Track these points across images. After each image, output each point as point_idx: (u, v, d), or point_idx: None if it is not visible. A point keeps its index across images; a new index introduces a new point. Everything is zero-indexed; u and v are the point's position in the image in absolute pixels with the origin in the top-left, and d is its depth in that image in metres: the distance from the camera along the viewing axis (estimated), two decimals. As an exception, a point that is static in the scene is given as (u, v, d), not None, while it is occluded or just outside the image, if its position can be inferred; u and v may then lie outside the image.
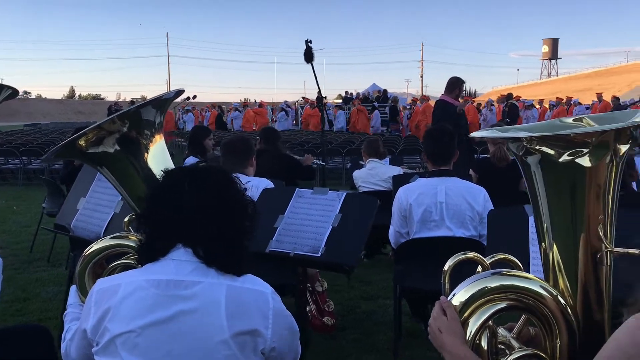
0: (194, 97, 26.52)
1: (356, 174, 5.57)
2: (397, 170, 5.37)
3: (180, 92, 2.16)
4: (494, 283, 1.62)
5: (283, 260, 2.93)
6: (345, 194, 2.83)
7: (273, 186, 3.72)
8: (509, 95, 19.02)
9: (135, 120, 2.01)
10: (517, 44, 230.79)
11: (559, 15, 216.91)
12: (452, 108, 7.46)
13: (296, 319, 1.90)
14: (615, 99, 19.80)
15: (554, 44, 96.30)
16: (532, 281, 1.63)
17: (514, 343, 1.72)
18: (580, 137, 1.51)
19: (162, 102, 2.07)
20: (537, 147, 1.56)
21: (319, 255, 2.63)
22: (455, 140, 3.66)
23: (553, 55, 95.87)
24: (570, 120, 1.75)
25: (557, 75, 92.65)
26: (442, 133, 3.65)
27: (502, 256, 1.87)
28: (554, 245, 1.65)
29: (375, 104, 24.41)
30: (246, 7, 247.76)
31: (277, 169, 5.17)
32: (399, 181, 4.29)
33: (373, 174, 5.39)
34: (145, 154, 2.02)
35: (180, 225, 1.70)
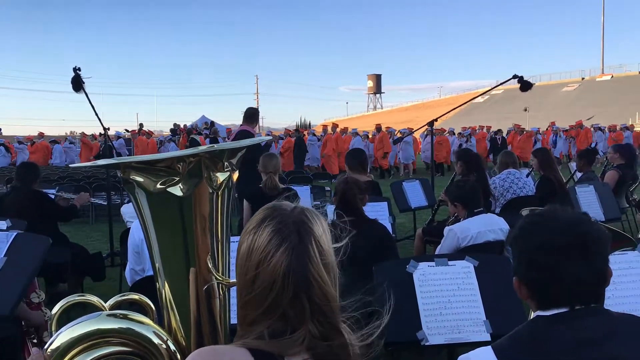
0: (-2, 129, 24.10)
1: (124, 209, 5.27)
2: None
3: None
4: (94, 327, 1.48)
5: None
6: (15, 234, 2.56)
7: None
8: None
9: None
10: (347, 79, 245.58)
11: (381, 53, 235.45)
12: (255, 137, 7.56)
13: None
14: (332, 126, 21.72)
15: (377, 79, 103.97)
16: (144, 325, 1.51)
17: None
18: (162, 163, 1.44)
19: None
20: (131, 177, 1.47)
21: (-31, 306, 2.33)
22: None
23: (377, 89, 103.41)
24: (204, 147, 1.70)
25: (382, 108, 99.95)
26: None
27: (136, 297, 1.76)
28: (166, 284, 1.55)
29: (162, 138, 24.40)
30: (66, 38, 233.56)
31: (27, 208, 4.69)
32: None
33: (141, 208, 5.11)
34: None
35: None
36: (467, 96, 79.60)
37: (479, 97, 73.75)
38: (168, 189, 1.44)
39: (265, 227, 1.29)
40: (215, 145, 1.51)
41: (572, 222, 1.44)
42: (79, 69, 5.92)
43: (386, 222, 4.78)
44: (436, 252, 3.96)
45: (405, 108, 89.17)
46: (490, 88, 6.55)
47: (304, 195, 6.15)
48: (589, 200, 5.27)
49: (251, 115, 7.00)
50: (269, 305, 1.27)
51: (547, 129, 23.91)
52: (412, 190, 6.71)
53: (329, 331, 1.28)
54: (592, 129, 23.26)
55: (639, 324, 1.44)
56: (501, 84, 7.55)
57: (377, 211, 4.80)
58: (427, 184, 6.93)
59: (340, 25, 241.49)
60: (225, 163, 1.51)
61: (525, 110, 47.51)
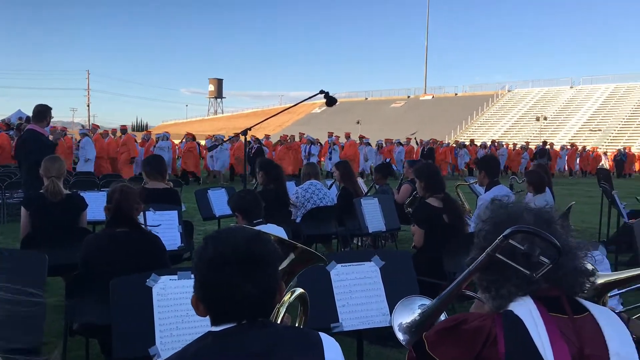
0: None
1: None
2: None
3: None
4: None
5: None
6: None
7: None
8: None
9: None
10: (188, 81, 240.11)
11: (224, 58, 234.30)
12: (45, 138, 6.87)
13: None
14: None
15: (219, 84, 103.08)
16: None
17: None
18: None
19: None
20: None
21: None
22: None
23: (219, 94, 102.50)
24: None
25: (222, 113, 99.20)
26: None
27: None
28: None
29: None
30: None
31: None
32: None
33: None
34: None
35: None
36: (305, 106, 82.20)
37: (317, 108, 76.43)
38: None
39: None
40: None
41: (244, 240, 1.47)
42: None
43: (175, 232, 4.67)
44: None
45: (246, 114, 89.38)
46: (299, 102, 6.77)
47: (98, 201, 5.79)
48: (372, 212, 5.65)
49: (38, 113, 6.39)
50: None
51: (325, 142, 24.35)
52: (217, 199, 6.66)
53: None
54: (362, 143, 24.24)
55: (302, 336, 1.51)
56: (310, 98, 7.83)
57: (166, 220, 4.67)
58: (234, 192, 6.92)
59: (183, 25, 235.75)
60: None
61: (358, 122, 50.23)
